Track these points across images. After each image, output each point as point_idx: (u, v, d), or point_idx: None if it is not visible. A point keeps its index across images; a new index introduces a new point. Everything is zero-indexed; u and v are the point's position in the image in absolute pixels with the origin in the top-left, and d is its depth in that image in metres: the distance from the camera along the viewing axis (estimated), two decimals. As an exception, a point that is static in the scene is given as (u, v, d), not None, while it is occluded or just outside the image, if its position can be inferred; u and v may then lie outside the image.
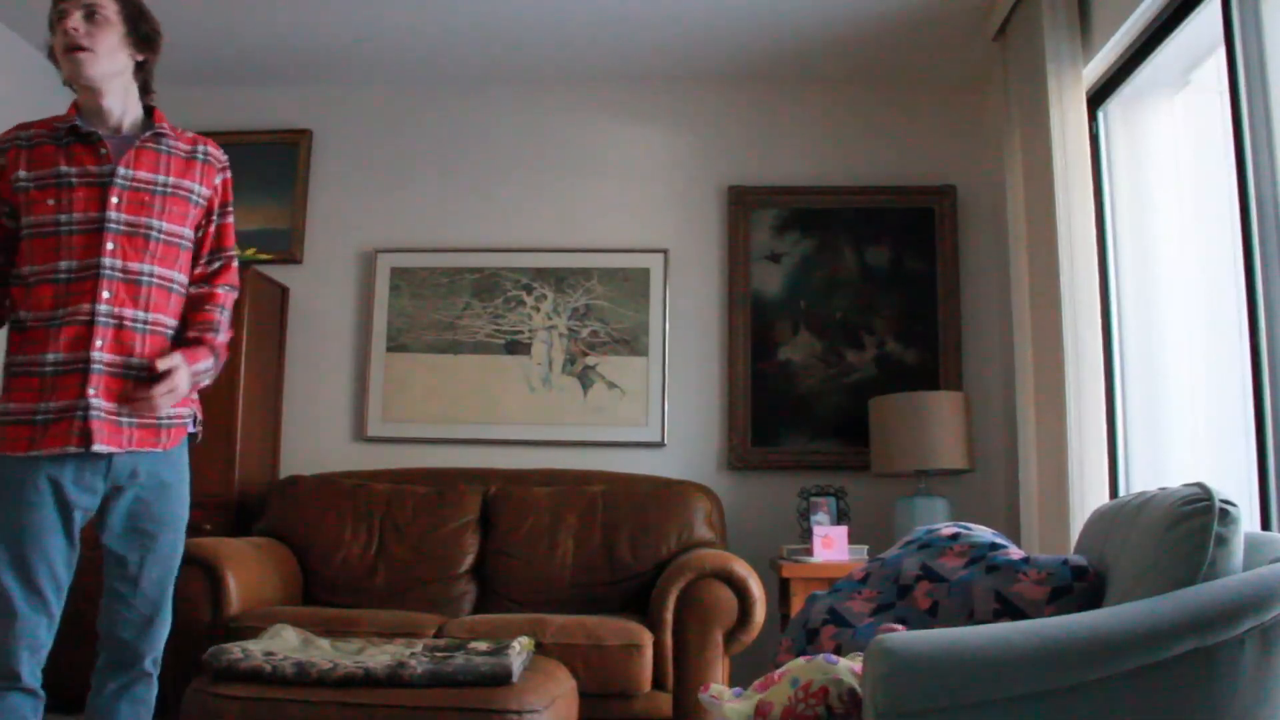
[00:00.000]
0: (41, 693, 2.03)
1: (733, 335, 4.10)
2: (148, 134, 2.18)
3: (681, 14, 3.76)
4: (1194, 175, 2.98)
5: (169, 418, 2.15)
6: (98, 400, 2.04)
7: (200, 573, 3.02)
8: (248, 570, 3.19)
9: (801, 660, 1.70)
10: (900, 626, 1.67)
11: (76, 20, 2.08)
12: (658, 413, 4.06)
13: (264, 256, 4.21)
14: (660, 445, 4.05)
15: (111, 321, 2.07)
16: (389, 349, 4.17)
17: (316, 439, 4.15)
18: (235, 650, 2.51)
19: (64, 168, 2.09)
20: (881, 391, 3.80)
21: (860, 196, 4.14)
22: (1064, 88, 3.09)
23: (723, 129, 4.28)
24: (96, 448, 2.02)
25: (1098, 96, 3.21)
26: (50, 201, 2.06)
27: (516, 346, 4.15)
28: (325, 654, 2.62)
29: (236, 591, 3.08)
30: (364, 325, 4.22)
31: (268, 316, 4.06)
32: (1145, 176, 3.13)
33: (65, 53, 2.09)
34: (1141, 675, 1.34)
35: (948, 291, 4.05)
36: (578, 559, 3.51)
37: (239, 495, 3.77)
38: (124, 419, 2.07)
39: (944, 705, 1.34)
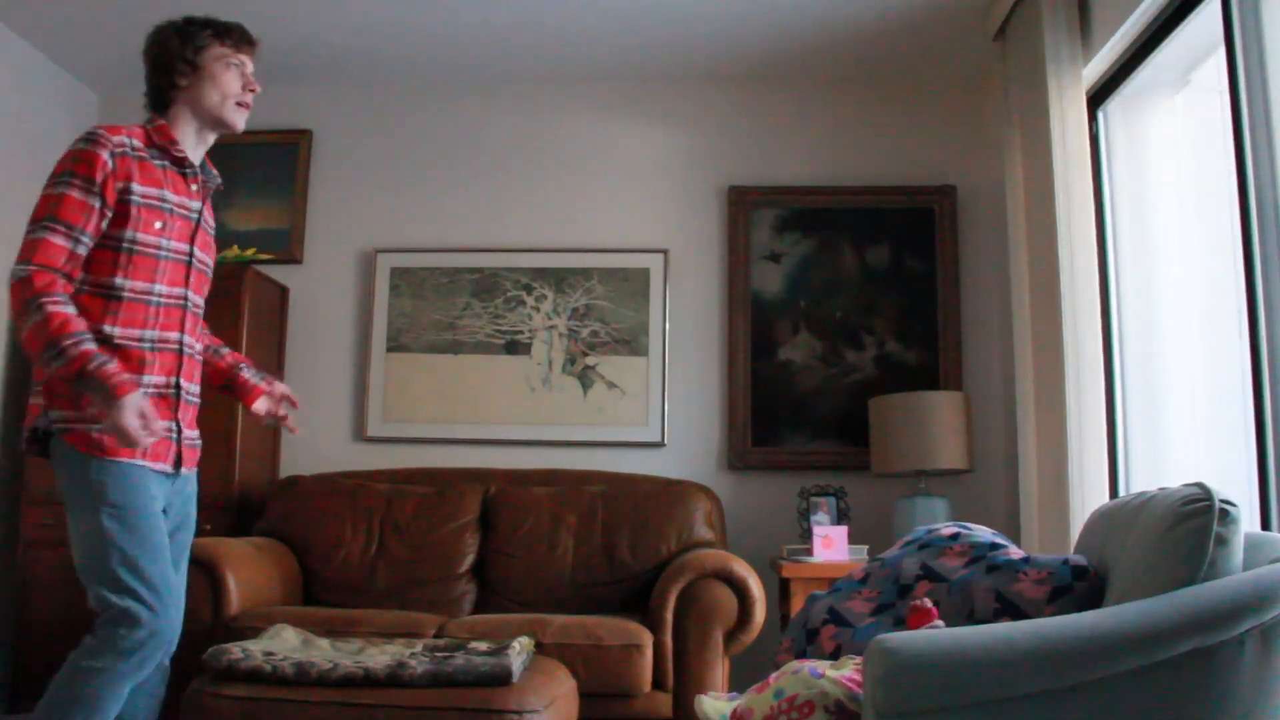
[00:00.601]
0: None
1: (733, 335, 4.10)
2: (218, 184, 2.32)
3: (681, 14, 3.76)
4: (1194, 175, 2.97)
5: (200, 439, 2.33)
6: (183, 423, 2.20)
7: (200, 573, 3.01)
8: (248, 570, 3.19)
9: (789, 673, 1.70)
10: (934, 608, 1.65)
11: (252, 79, 2.26)
12: (658, 413, 4.06)
13: (264, 256, 4.22)
14: (660, 445, 4.05)
15: (188, 350, 2.22)
16: (389, 349, 4.18)
17: (316, 439, 4.14)
18: (235, 650, 2.52)
19: (167, 193, 2.16)
20: (881, 391, 3.80)
21: (860, 196, 4.14)
22: (1064, 88, 3.08)
23: (723, 129, 4.28)
24: (184, 471, 2.21)
25: (1098, 96, 3.21)
26: (158, 224, 2.13)
27: (516, 346, 4.15)
28: (325, 654, 2.62)
29: (236, 591, 3.08)
30: (364, 325, 4.22)
31: (267, 316, 4.05)
32: (1145, 176, 3.13)
33: (240, 105, 2.24)
34: (1141, 675, 1.34)
35: (948, 291, 4.05)
36: (578, 559, 3.51)
37: (239, 495, 3.77)
38: (187, 442, 2.22)
39: (944, 705, 1.34)
